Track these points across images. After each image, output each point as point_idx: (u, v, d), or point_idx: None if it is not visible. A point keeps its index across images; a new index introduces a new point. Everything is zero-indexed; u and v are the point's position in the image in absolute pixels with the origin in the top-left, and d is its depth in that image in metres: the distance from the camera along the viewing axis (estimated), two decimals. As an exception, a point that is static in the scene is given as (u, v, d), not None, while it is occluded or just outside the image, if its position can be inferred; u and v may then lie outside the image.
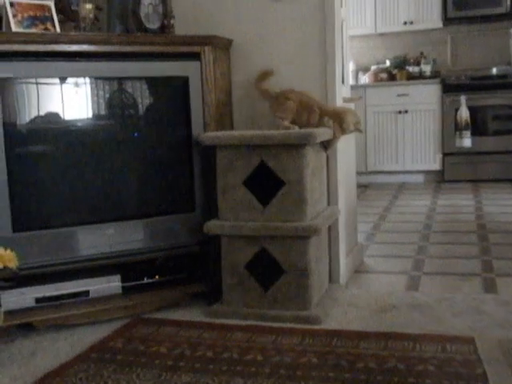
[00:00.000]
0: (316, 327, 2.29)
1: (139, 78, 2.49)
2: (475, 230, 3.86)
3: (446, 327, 2.23)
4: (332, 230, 2.69)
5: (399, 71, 6.36)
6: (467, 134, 5.81)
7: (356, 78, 6.60)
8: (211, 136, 2.43)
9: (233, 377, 1.89)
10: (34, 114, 2.38)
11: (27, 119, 2.37)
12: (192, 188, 2.57)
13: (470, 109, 5.82)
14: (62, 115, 2.43)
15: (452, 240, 3.64)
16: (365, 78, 6.51)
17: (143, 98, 2.56)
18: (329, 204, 2.67)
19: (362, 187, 6.04)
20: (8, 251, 2.10)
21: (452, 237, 3.72)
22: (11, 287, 2.32)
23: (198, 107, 2.51)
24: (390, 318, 2.35)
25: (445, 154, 6.07)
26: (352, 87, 6.16)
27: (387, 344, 2.08)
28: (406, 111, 6.14)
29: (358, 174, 6.00)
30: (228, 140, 2.38)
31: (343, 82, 2.80)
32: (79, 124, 2.49)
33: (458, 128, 5.84)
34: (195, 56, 2.49)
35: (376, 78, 6.43)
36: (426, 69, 6.33)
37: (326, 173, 2.63)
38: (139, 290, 2.56)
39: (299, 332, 2.23)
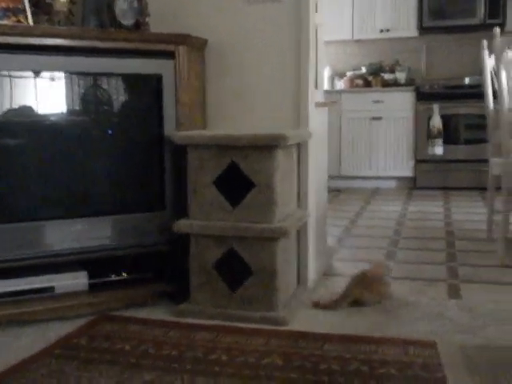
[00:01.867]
0: (282, 328, 2.30)
1: (112, 75, 2.48)
2: (443, 237, 3.91)
3: (409, 331, 2.25)
4: (301, 232, 2.70)
5: (374, 78, 6.43)
6: (439, 141, 5.89)
7: (332, 83, 6.65)
8: (183, 135, 2.43)
9: (196, 376, 1.89)
10: (4, 106, 2.35)
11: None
12: (163, 187, 2.56)
13: (443, 117, 5.91)
14: (32, 109, 2.41)
15: (420, 246, 3.68)
16: (341, 84, 6.56)
17: (116, 95, 2.55)
18: (299, 207, 2.69)
19: (336, 191, 6.09)
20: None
21: (420, 243, 3.77)
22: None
23: (170, 106, 2.51)
24: (355, 321, 2.37)
25: (417, 161, 6.15)
26: (328, 92, 6.25)
27: (351, 347, 2.10)
28: (381, 118, 6.21)
29: (332, 178, 6.11)
30: (199, 140, 2.39)
31: (317, 86, 2.82)
32: (50, 118, 2.47)
33: (431, 136, 5.92)
34: (170, 54, 2.49)
35: (352, 83, 6.48)
36: (401, 76, 6.40)
37: (297, 176, 2.65)
38: (106, 287, 2.55)
39: (265, 333, 2.24)
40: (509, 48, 2.99)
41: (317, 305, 2.55)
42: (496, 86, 3.26)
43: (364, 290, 2.55)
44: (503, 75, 3.07)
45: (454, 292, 2.75)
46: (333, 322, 2.36)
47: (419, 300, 2.62)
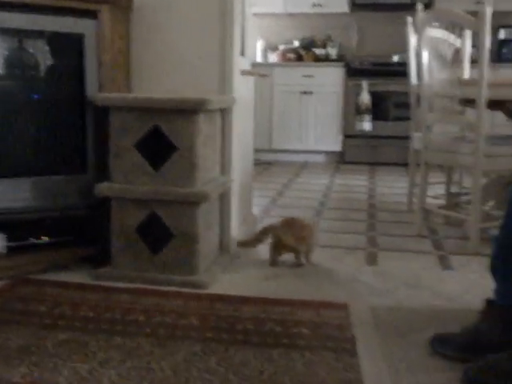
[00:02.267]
0: (201, 291, 2.33)
1: (31, 32, 2.41)
2: (366, 209, 4.03)
3: (324, 294, 2.33)
4: (224, 198, 2.73)
5: (306, 52, 6.48)
6: (367, 117, 6.03)
7: (265, 56, 6.67)
8: (105, 97, 2.40)
9: (112, 335, 1.90)
10: None
11: None
12: (84, 149, 2.53)
13: (372, 94, 6.04)
14: None
15: (343, 217, 3.78)
16: (273, 57, 6.58)
17: (37, 55, 2.48)
18: (222, 173, 2.71)
19: (266, 164, 6.15)
20: None
21: (343, 214, 3.88)
22: None
23: (92, 67, 2.46)
24: (274, 286, 2.43)
25: (345, 136, 6.27)
26: (260, 65, 6.26)
27: (267, 308, 2.15)
28: (311, 92, 6.28)
29: (263, 151, 6.17)
30: (122, 102, 2.37)
31: (243, 54, 2.83)
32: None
33: (359, 111, 6.04)
34: (92, 14, 2.44)
35: (284, 57, 6.52)
36: (332, 52, 6.49)
37: (221, 142, 2.66)
38: (25, 250, 2.50)
39: (184, 295, 2.27)
40: (431, 25, 3.07)
41: (241, 244, 2.64)
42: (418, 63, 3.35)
43: (289, 232, 2.63)
44: (424, 51, 3.16)
45: (371, 259, 2.85)
46: (252, 286, 2.41)
47: (337, 266, 2.70)
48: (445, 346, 1.78)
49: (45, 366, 1.67)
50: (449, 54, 2.98)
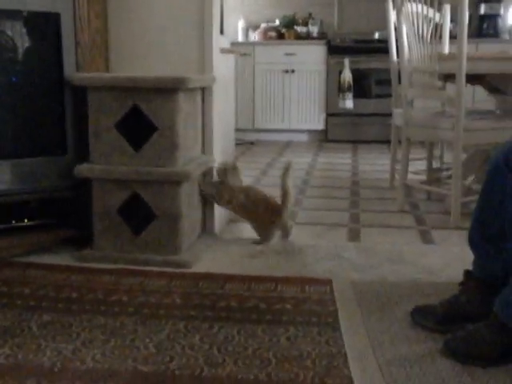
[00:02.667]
0: (185, 271, 2.34)
1: (5, 11, 2.36)
2: (348, 186, 4.04)
3: (307, 271, 2.34)
4: (206, 177, 2.72)
5: (288, 31, 6.45)
6: (350, 95, 6.02)
7: (246, 35, 6.63)
8: (82, 77, 2.38)
9: (95, 316, 1.90)
10: None
11: None
12: (63, 130, 2.50)
13: (354, 71, 6.02)
14: None
15: (326, 194, 3.80)
16: (254, 36, 6.54)
17: (12, 35, 2.44)
18: (203, 152, 2.71)
19: (249, 144, 6.13)
20: None
21: (326, 191, 3.89)
22: None
23: (70, 47, 2.43)
24: (257, 263, 2.44)
25: (328, 115, 6.27)
26: (242, 44, 6.22)
27: (250, 286, 2.17)
28: (293, 71, 6.26)
29: (246, 131, 6.16)
30: (100, 81, 2.35)
31: (222, 32, 2.81)
32: None
33: (341, 90, 6.03)
34: (68, -7, 2.40)
35: (265, 36, 6.48)
36: (314, 30, 6.46)
37: (202, 121, 2.65)
38: (6, 233, 2.49)
39: (167, 275, 2.28)
40: (410, 0, 3.07)
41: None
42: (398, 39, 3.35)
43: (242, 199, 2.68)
44: (403, 27, 3.16)
45: (353, 235, 2.87)
46: (235, 264, 2.42)
47: (319, 243, 2.71)
48: (425, 317, 1.80)
49: (28, 347, 1.67)
50: (428, 29, 2.97)
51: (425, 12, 2.99)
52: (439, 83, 3.05)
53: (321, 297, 2.07)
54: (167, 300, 2.04)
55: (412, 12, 3.05)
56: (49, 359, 1.61)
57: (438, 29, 2.95)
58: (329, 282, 2.21)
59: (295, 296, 2.08)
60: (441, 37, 3.32)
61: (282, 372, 1.55)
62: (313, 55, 6.21)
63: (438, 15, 3.07)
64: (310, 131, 6.42)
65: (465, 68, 2.81)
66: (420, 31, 3.00)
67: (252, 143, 6.19)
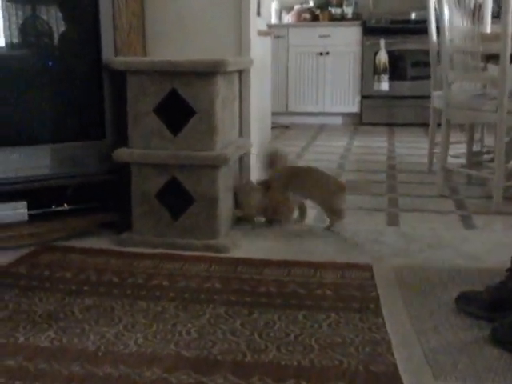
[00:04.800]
0: (223, 255, 2.33)
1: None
2: (385, 170, 3.99)
3: (347, 256, 2.32)
4: (243, 161, 2.71)
5: (322, 12, 6.36)
6: (385, 77, 5.92)
7: (279, 17, 6.56)
8: (121, 61, 2.38)
9: (136, 300, 1.91)
10: None
11: None
12: (102, 115, 2.51)
13: (389, 53, 5.92)
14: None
15: (362, 178, 3.75)
16: (288, 18, 6.47)
17: (50, 19, 2.45)
18: (241, 135, 2.69)
19: (283, 127, 6.10)
20: None
21: (363, 175, 3.84)
22: None
23: (108, 30, 2.43)
24: (295, 248, 2.42)
25: (363, 97, 6.18)
26: (275, 26, 6.16)
27: (289, 271, 2.15)
28: (328, 53, 6.18)
29: (279, 114, 6.11)
30: (139, 65, 2.34)
31: (259, 14, 2.78)
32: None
33: (377, 71, 5.94)
34: (106, -23, 2.40)
35: (299, 17, 6.40)
36: (348, 11, 6.36)
37: (239, 104, 2.63)
38: (47, 217, 2.51)
39: (206, 259, 2.27)
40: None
41: None
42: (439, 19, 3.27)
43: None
44: (445, 7, 3.08)
45: (392, 220, 2.83)
46: (273, 249, 2.41)
47: (358, 228, 2.68)
48: (471, 304, 1.76)
49: (72, 331, 1.69)
50: (470, 9, 2.90)
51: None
52: (481, 64, 2.97)
53: (361, 282, 2.04)
54: (207, 285, 2.03)
55: (454, -9, 2.97)
56: (93, 343, 1.62)
57: (479, 9, 2.87)
58: (369, 268, 2.18)
59: (335, 281, 2.06)
60: (483, 17, 3.23)
61: (325, 359, 1.53)
62: (347, 37, 6.12)
63: (480, -6, 2.99)
64: (344, 114, 6.35)
65: (510, 48, 2.73)
66: (462, 11, 2.92)
67: (286, 126, 6.15)
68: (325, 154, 4.65)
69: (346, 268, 2.18)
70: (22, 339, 1.64)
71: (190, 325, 1.73)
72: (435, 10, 3.51)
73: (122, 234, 2.48)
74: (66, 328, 1.71)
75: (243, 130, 2.68)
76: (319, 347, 1.59)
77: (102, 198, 2.61)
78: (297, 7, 6.49)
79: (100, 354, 1.56)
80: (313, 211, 2.93)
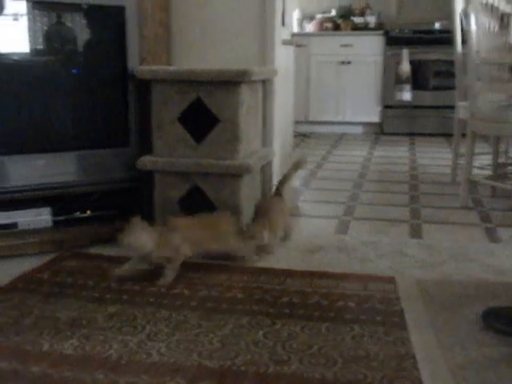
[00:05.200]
0: (243, 265, 2.32)
1: (70, 5, 2.39)
2: (407, 181, 3.96)
3: (369, 268, 2.30)
4: (266, 171, 2.71)
5: (344, 21, 6.36)
6: (407, 87, 5.90)
7: (301, 26, 6.57)
8: (146, 70, 2.39)
9: (159, 309, 1.91)
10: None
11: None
12: (126, 123, 2.53)
13: (412, 63, 5.90)
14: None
15: (384, 189, 3.73)
16: (310, 27, 6.48)
17: (78, 29, 2.48)
18: (263, 145, 2.69)
19: (303, 136, 6.09)
20: None
21: (384, 186, 3.82)
22: None
23: (134, 39, 2.44)
24: (317, 259, 2.41)
25: (384, 107, 6.16)
26: (297, 35, 6.16)
27: (312, 282, 2.14)
28: (349, 62, 6.17)
29: (299, 123, 6.11)
30: (163, 74, 2.35)
31: (284, 24, 2.78)
32: (11, 54, 2.40)
33: (399, 81, 5.91)
34: (133, -14, 2.42)
35: (321, 27, 6.41)
36: (371, 20, 6.35)
37: (262, 113, 2.63)
38: (70, 224, 2.53)
39: (227, 269, 2.27)
40: (478, -11, 2.96)
41: None
42: (465, 29, 3.25)
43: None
44: (472, 18, 3.06)
45: (415, 232, 2.80)
46: (295, 260, 2.39)
47: (380, 239, 2.66)
48: (498, 319, 1.74)
49: (95, 339, 1.69)
50: (497, 19, 2.87)
51: (495, 3, 2.88)
52: (507, 75, 2.94)
53: (384, 295, 2.02)
54: (229, 294, 2.03)
55: (481, 2, 2.94)
56: (115, 351, 1.62)
57: (507, 18, 2.85)
58: (392, 280, 2.16)
59: (358, 293, 2.04)
60: (509, 27, 3.20)
61: (348, 372, 1.52)
62: (370, 46, 6.11)
63: (507, 6, 2.96)
64: (365, 124, 6.32)
65: (537, 60, 2.70)
66: (489, 21, 2.90)
67: (306, 135, 6.14)
68: (345, 163, 4.64)
69: (369, 280, 2.16)
70: (46, 346, 1.65)
71: (212, 335, 1.72)
72: (461, 20, 3.49)
73: (144, 241, 2.48)
74: (89, 335, 1.71)
75: (266, 139, 2.68)
76: (343, 360, 1.58)
77: (124, 205, 2.62)
78: (319, 16, 6.50)
79: (123, 362, 1.56)
80: (334, 221, 2.92)
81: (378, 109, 6.18)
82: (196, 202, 2.41)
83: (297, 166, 2.58)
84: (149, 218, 2.49)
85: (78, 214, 2.57)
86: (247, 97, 2.36)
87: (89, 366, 1.54)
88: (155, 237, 2.13)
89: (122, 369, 1.53)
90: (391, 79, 6.04)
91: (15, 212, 2.43)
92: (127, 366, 1.55)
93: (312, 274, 2.21)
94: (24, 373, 1.50)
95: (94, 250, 2.46)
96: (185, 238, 2.16)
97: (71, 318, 1.83)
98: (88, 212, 2.59)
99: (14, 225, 2.43)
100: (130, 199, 2.60)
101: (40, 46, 2.46)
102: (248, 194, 2.44)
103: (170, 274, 2.13)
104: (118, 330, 1.75)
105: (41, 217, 2.48)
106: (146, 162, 2.41)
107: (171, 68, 2.39)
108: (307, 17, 6.58)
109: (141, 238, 2.10)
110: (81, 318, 1.83)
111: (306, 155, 2.63)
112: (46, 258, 2.35)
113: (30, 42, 2.41)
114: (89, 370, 1.52)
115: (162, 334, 1.73)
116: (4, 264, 2.30)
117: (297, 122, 5.98)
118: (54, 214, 2.50)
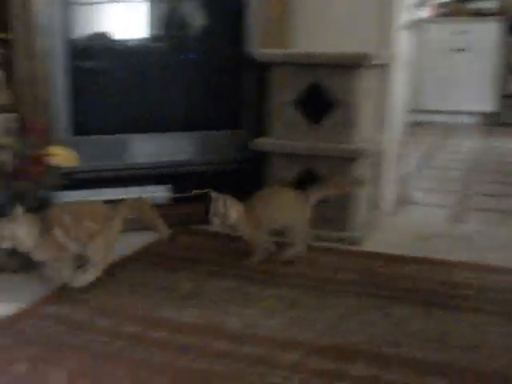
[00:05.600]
0: (355, 248, 2.33)
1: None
2: (525, 172, 3.80)
3: (484, 258, 2.23)
4: (378, 156, 2.68)
5: (460, 7, 6.13)
6: (527, 76, 5.62)
7: (416, 11, 6.39)
8: (267, 53, 2.42)
9: (271, 286, 1.94)
10: (95, 29, 2.44)
11: (88, 34, 2.44)
12: (242, 105, 2.58)
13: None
14: (116, 32, 2.47)
15: (499, 180, 3.59)
16: (424, 12, 6.30)
17: (196, 10, 2.56)
18: (379, 130, 2.66)
19: (415, 125, 5.95)
20: (70, 151, 2.20)
21: (500, 177, 3.68)
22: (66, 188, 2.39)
23: (253, 22, 2.48)
24: (430, 246, 2.37)
25: (502, 96, 5.90)
26: (411, 21, 5.99)
27: (424, 268, 2.11)
28: (465, 49, 5.95)
29: (411, 111, 5.96)
30: (283, 58, 2.37)
31: (402, 8, 2.73)
32: (134, 38, 2.53)
33: (519, 70, 5.65)
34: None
35: (436, 12, 6.21)
36: (489, 5, 6.08)
37: (379, 99, 2.60)
38: (186, 201, 2.62)
39: (338, 251, 2.28)
40: None
41: None
42: None
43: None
44: None
45: (534, 224, 2.69)
46: (404, 245, 2.36)
47: (495, 230, 2.58)
48: None
49: (213, 310, 1.76)
50: None
51: None
52: None
53: (503, 286, 1.96)
54: (342, 276, 2.04)
55: None
56: (232, 323, 1.68)
57: None
58: (510, 271, 2.09)
59: (474, 282, 1.99)
60: None
61: (465, 359, 1.49)
62: (488, 33, 5.86)
63: None
64: (480, 113, 6.09)
65: None
66: None
67: (418, 124, 6.00)
68: (459, 153, 4.50)
69: (486, 270, 2.10)
70: (165, 314, 1.73)
71: (325, 313, 1.75)
72: None
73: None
74: (206, 307, 1.78)
75: (382, 125, 2.65)
76: (460, 348, 1.55)
77: (236, 185, 2.67)
78: (434, 1, 6.30)
79: (239, 334, 1.62)
80: (445, 210, 2.86)
81: (495, 98, 5.93)
82: (309, 185, 2.43)
83: (343, 186, 2.31)
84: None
85: (193, 192, 2.66)
86: (365, 81, 2.34)
87: (208, 335, 1.61)
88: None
89: (238, 340, 1.58)
90: (510, 67, 5.76)
91: (136, 188, 2.55)
92: (243, 337, 1.60)
93: (426, 261, 2.18)
94: (146, 338, 1.59)
95: (207, 227, 2.54)
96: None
97: (189, 290, 1.91)
98: (202, 190, 2.67)
99: (135, 200, 2.54)
100: (241, 180, 2.65)
101: (158, 31, 2.58)
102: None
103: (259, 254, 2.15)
104: (233, 304, 1.81)
105: (159, 193, 2.59)
106: (260, 143, 2.46)
107: (290, 51, 2.41)
108: (422, 2, 6.39)
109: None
110: (198, 290, 1.90)
111: (363, 177, 2.41)
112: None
113: (148, 27, 2.53)
114: (208, 338, 1.58)
115: (276, 311, 1.76)
116: (125, 237, 2.43)
117: (409, 110, 5.85)
118: (171, 191, 2.60)
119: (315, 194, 2.21)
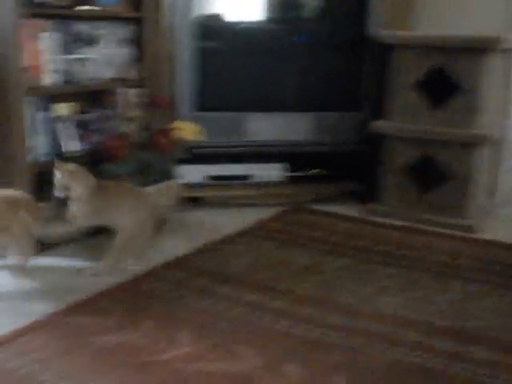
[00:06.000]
0: (472, 235, 2.29)
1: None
2: None
3: None
4: (499, 144, 2.60)
5: None
6: None
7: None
8: (391, 35, 2.40)
9: (385, 267, 1.96)
10: (218, 10, 2.53)
11: (211, 14, 2.53)
12: (360, 87, 2.59)
13: None
14: (241, 11, 2.55)
15: None
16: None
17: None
18: (504, 116, 2.57)
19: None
20: (196, 126, 2.30)
21: None
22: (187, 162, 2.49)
23: (376, 4, 2.47)
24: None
25: None
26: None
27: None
28: None
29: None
30: (406, 40, 2.35)
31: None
32: (255, 19, 2.59)
33: None
34: None
35: None
36: None
37: (506, 85, 2.52)
38: (299, 180, 2.66)
39: (455, 238, 2.27)
40: None
41: None
42: None
43: None
44: None
45: None
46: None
47: None
48: None
49: (328, 286, 1.80)
50: None
51: None
52: None
53: None
54: (458, 261, 2.02)
55: None
56: (346, 299, 1.71)
57: None
58: None
59: None
60: None
61: None
62: None
63: None
64: None
65: None
66: None
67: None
68: None
69: None
70: (282, 286, 1.79)
71: (441, 297, 1.74)
72: None
73: (365, 203, 2.55)
74: (321, 282, 1.83)
75: (506, 111, 2.56)
76: None
77: (348, 166, 2.68)
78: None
79: (355, 310, 1.65)
80: None
81: None
82: (425, 169, 2.41)
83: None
84: (371, 181, 2.55)
85: (307, 171, 2.69)
86: (493, 66, 2.28)
87: (324, 308, 1.65)
88: None
89: (354, 315, 1.62)
90: None
91: (252, 165, 2.62)
92: (359, 313, 1.63)
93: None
94: (267, 306, 1.65)
95: (319, 207, 2.58)
96: None
97: (303, 265, 1.96)
98: (316, 170, 2.70)
99: (250, 177, 2.62)
100: (354, 162, 2.66)
101: (281, 12, 2.62)
102: (481, 165, 2.37)
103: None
104: (348, 281, 1.84)
105: (274, 171, 2.64)
106: (378, 126, 2.45)
107: (417, 34, 2.38)
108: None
109: None
110: (312, 266, 1.95)
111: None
112: (276, 210, 2.52)
113: (272, 8, 2.58)
114: (325, 311, 1.63)
115: (391, 290, 1.78)
116: (240, 211, 2.52)
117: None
118: (285, 169, 2.65)
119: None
